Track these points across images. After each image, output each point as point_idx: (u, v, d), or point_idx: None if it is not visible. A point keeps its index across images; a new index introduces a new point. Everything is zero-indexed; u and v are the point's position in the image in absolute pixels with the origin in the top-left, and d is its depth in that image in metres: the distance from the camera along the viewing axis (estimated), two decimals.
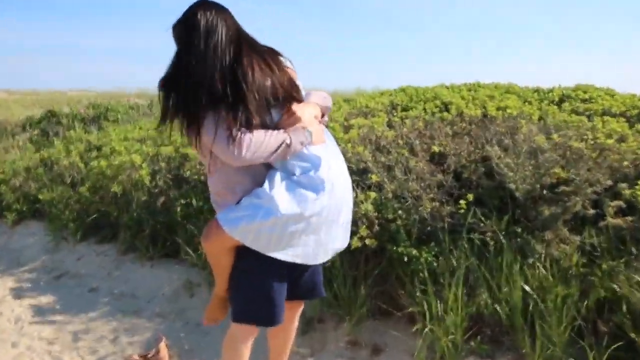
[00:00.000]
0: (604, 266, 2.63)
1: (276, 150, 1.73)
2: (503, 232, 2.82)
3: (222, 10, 1.79)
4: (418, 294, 2.70)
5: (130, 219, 4.28)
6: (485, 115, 3.87)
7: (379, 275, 2.91)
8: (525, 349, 2.46)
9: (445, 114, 4.12)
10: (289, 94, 1.81)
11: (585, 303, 2.50)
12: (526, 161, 2.95)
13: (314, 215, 1.77)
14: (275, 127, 1.79)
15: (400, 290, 2.87)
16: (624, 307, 2.44)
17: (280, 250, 1.81)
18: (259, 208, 1.76)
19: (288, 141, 1.73)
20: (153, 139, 5.36)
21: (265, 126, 1.77)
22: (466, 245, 2.76)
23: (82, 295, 3.87)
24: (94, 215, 4.65)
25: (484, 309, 2.62)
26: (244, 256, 1.87)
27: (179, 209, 3.99)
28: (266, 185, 1.77)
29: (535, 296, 2.55)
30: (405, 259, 2.77)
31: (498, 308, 2.58)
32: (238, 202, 1.83)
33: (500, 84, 6.99)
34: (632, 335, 2.33)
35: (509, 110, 3.88)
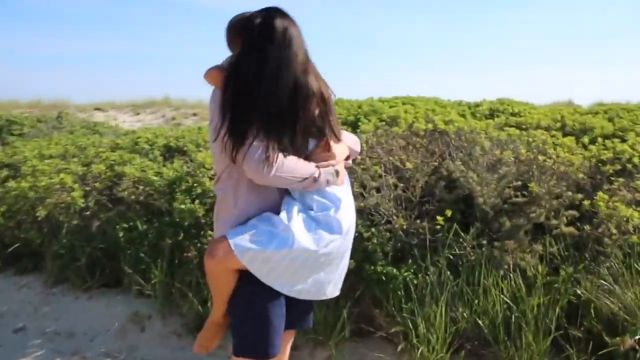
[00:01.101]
0: (563, 273, 2.76)
1: (302, 180, 1.66)
2: (471, 246, 2.87)
3: (295, 24, 1.69)
4: (398, 313, 2.66)
5: (60, 247, 3.82)
6: (435, 130, 3.95)
7: (354, 296, 2.83)
8: (510, 358, 2.51)
9: (395, 128, 4.15)
10: (331, 130, 1.76)
11: (556, 311, 2.60)
12: (489, 175, 3.04)
13: (324, 255, 1.71)
14: (307, 156, 1.73)
15: (376, 310, 2.81)
16: (592, 312, 2.58)
17: (280, 282, 1.72)
18: (274, 237, 1.65)
19: (316, 175, 1.68)
20: (76, 155, 4.87)
21: (297, 152, 1.69)
22: (440, 262, 2.77)
23: (6, 338, 3.37)
24: (14, 244, 4.10)
25: (465, 324, 2.63)
26: (250, 282, 1.72)
27: (121, 233, 3.63)
28: (284, 215, 1.68)
29: (513, 307, 2.61)
30: (384, 278, 2.72)
31: (479, 321, 2.60)
32: (242, 221, 1.73)
33: (425, 97, 7.25)
34: (606, 339, 2.45)
35: (457, 124, 3.99)
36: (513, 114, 5.30)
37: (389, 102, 6.26)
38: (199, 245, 3.33)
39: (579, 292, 2.68)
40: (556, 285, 2.74)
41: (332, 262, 1.76)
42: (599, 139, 3.54)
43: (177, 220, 3.48)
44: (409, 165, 3.04)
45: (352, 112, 5.37)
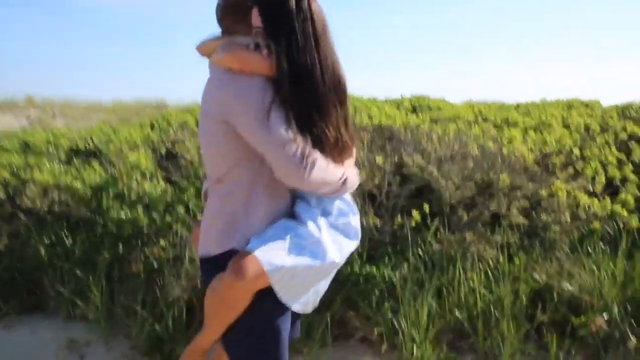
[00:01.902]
0: (520, 262, 2.89)
1: (332, 183, 1.45)
2: (437, 240, 2.90)
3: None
4: (377, 313, 2.59)
5: None
6: (380, 125, 3.95)
7: (330, 300, 2.71)
8: (489, 348, 2.56)
9: None
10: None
11: (523, 299, 2.70)
12: (449, 168, 3.08)
13: (340, 264, 1.57)
14: None
15: (351, 312, 2.72)
16: (555, 297, 2.72)
17: (297, 299, 1.54)
18: (303, 250, 1.45)
19: (345, 178, 1.47)
20: None
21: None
22: (412, 258, 2.76)
23: None
24: None
25: (442, 317, 2.64)
26: (263, 297, 1.49)
27: (42, 250, 3.13)
28: (312, 227, 1.48)
29: (486, 297, 2.67)
30: (361, 278, 2.63)
31: (458, 314, 2.62)
32: (254, 229, 1.49)
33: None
34: (573, 319, 2.60)
35: (398, 120, 4.04)
36: (432, 109, 5.51)
37: None
38: (142, 258, 2.98)
39: (538, 278, 2.82)
40: (519, 274, 2.85)
41: (334, 271, 1.62)
42: (531, 132, 3.77)
43: (114, 231, 3.09)
44: (378, 160, 2.98)
45: None
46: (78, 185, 3.49)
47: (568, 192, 2.82)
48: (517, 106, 5.66)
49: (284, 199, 1.56)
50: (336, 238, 1.54)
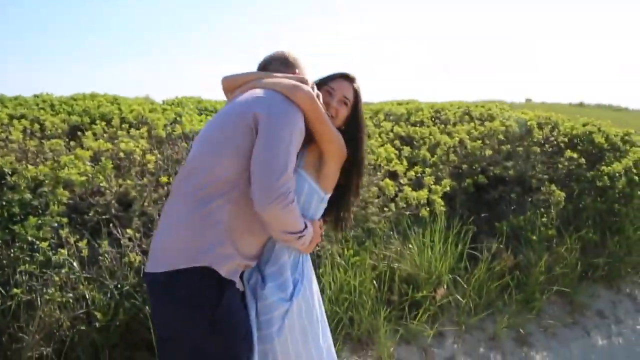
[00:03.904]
0: (361, 253, 3.24)
1: (293, 232, 1.53)
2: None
3: None
4: None
5: None
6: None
7: None
8: (362, 334, 2.80)
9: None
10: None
11: (374, 284, 3.05)
12: None
13: None
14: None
15: None
16: (397, 278, 3.14)
17: None
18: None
19: (305, 233, 1.56)
20: None
21: None
22: None
23: None
24: None
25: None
26: None
27: None
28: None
29: (345, 288, 2.90)
30: None
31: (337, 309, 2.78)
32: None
33: (107, 94, 6.56)
34: (416, 294, 3.06)
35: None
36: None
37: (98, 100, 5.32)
38: None
39: (378, 265, 3.20)
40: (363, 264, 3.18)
41: None
42: None
43: None
44: None
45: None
46: None
47: (390, 186, 3.29)
48: None
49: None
50: None
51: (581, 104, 18.78)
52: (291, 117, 1.48)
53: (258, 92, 1.53)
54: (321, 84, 1.72)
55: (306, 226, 1.55)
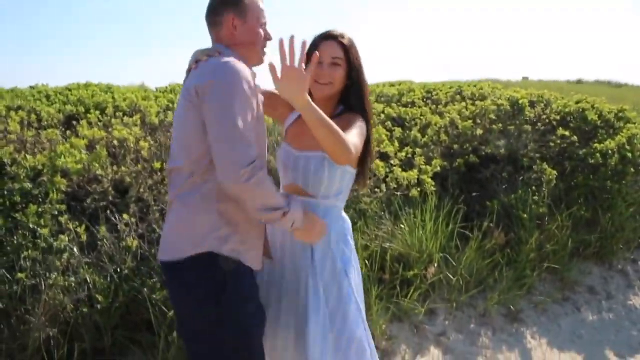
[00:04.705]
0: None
1: (269, 209, 1.45)
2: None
3: None
4: None
5: None
6: None
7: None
8: None
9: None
10: None
11: (368, 264, 3.12)
12: None
13: None
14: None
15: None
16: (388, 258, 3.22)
17: None
18: None
19: (286, 210, 1.47)
20: None
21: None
22: None
23: None
24: None
25: None
26: None
27: None
28: None
29: None
30: None
31: None
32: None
33: (101, 83, 6.62)
34: (407, 273, 3.14)
35: None
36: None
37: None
38: None
39: (370, 245, 3.28)
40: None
41: None
42: None
43: None
44: None
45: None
46: None
47: (381, 167, 3.35)
48: None
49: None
50: None
51: (579, 81, 18.69)
52: (236, 86, 1.38)
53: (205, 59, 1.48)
54: (310, 53, 1.55)
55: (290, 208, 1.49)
